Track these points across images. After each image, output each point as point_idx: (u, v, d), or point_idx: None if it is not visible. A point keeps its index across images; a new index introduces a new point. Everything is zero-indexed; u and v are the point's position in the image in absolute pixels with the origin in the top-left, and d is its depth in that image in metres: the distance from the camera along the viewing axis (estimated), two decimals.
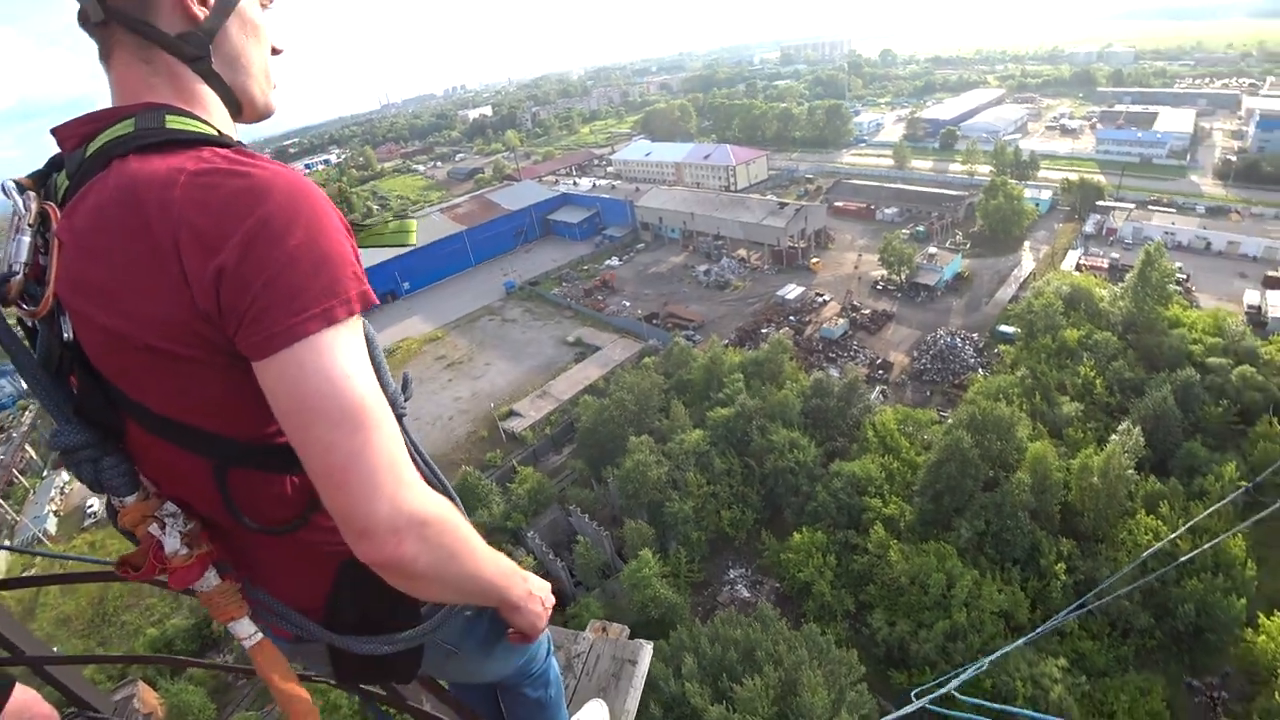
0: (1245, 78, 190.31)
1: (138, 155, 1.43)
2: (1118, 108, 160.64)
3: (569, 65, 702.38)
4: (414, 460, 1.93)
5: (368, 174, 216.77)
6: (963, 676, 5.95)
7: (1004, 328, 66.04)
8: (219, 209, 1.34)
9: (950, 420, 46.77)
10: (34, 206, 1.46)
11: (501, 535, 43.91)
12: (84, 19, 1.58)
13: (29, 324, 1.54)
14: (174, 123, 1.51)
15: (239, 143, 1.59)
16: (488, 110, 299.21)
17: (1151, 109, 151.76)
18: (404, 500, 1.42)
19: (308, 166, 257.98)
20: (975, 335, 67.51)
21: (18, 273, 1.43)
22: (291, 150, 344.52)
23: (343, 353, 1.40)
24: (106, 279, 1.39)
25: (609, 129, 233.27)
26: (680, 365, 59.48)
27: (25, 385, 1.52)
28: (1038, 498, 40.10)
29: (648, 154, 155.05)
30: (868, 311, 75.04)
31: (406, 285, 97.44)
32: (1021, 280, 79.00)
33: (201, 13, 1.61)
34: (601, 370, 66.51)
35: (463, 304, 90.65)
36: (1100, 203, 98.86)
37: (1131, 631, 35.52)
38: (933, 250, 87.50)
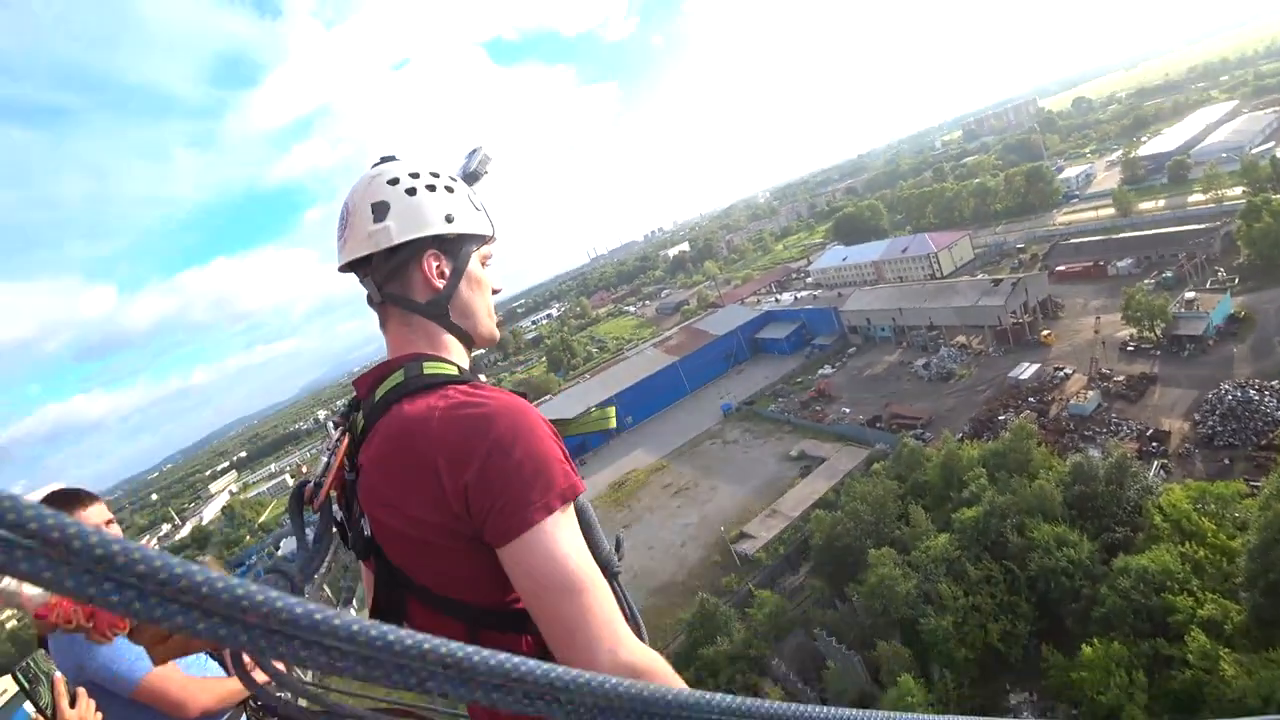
0: None
1: (407, 399, 2.02)
2: None
3: (754, 190, 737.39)
4: (627, 615, 2.36)
5: (585, 321, 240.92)
6: None
7: None
8: (462, 436, 1.83)
9: (1266, 490, 38.52)
10: (337, 435, 2.18)
11: (744, 663, 42.93)
12: (370, 300, 2.35)
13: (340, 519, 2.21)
14: (429, 368, 2.12)
15: (475, 376, 2.24)
16: (685, 246, 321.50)
17: None
18: (620, 652, 1.72)
19: (534, 322, 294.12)
20: (1274, 383, 55.93)
21: (320, 483, 2.09)
22: (519, 310, 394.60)
23: (561, 535, 1.81)
24: (392, 493, 1.93)
25: (801, 242, 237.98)
26: (913, 467, 56.06)
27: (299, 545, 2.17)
28: None
29: (844, 258, 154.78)
30: (1121, 378, 65.98)
31: (630, 419, 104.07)
32: None
33: (441, 284, 2.28)
34: (830, 482, 64.66)
35: (683, 431, 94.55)
36: None
37: None
38: (1190, 294, 75.40)
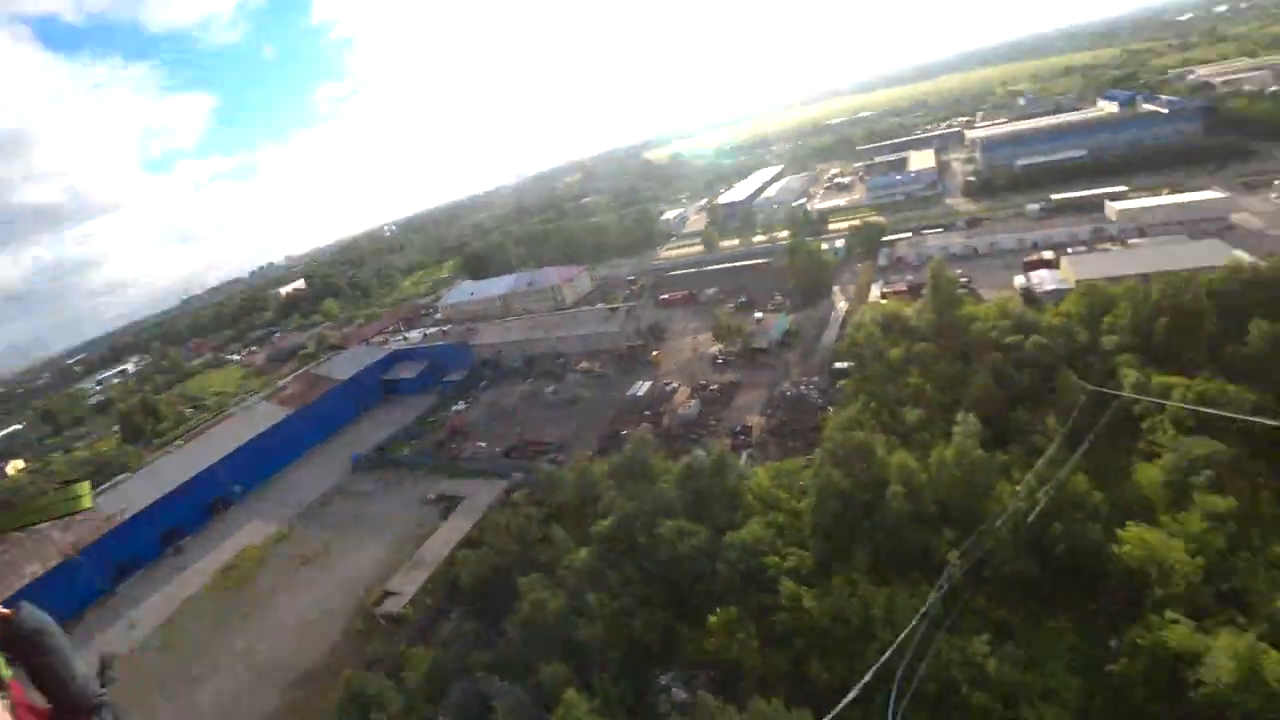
0: (962, 116, 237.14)
1: None
2: (876, 160, 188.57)
3: (379, 221, 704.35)
4: None
5: (175, 375, 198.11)
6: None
7: (838, 364, 70.72)
8: None
9: (816, 461, 48.12)
10: None
11: None
12: None
13: None
14: None
15: None
16: (300, 283, 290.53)
17: (902, 155, 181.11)
18: None
19: (99, 383, 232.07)
20: (816, 379, 71.70)
21: None
22: (77, 368, 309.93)
23: None
24: None
25: (430, 277, 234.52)
26: (551, 491, 57.89)
27: None
28: (913, 502, 42.10)
29: (473, 293, 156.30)
30: (715, 386, 77.71)
31: (238, 488, 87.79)
32: (841, 320, 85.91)
33: None
34: (472, 520, 62.90)
35: (307, 491, 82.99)
36: (884, 238, 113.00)
37: (1028, 586, 38.15)
38: (759, 315, 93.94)
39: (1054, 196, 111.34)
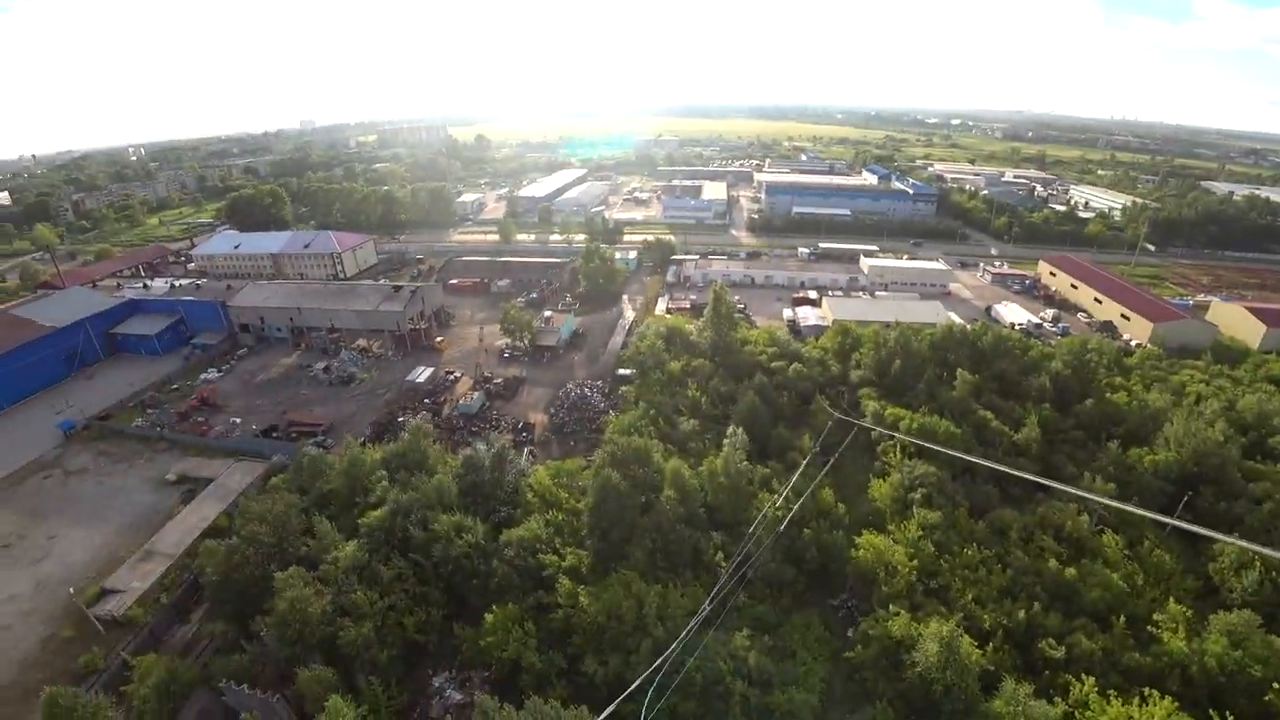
0: (753, 159, 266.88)
1: None
2: (674, 182, 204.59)
3: (122, 140, 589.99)
4: None
5: None
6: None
7: (622, 370, 74.98)
8: None
9: (596, 462, 50.60)
10: None
11: None
12: None
13: None
14: None
15: None
16: (3, 197, 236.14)
17: (698, 183, 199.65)
18: None
19: None
20: (600, 382, 75.02)
21: None
22: None
23: None
24: None
25: (185, 218, 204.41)
26: (316, 476, 53.92)
27: None
28: (685, 506, 46.62)
29: (237, 246, 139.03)
30: (500, 380, 77.80)
31: None
32: (627, 328, 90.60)
33: None
34: (221, 505, 56.62)
35: None
36: (674, 257, 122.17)
37: (784, 585, 44.39)
38: (548, 313, 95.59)
39: (822, 244, 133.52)
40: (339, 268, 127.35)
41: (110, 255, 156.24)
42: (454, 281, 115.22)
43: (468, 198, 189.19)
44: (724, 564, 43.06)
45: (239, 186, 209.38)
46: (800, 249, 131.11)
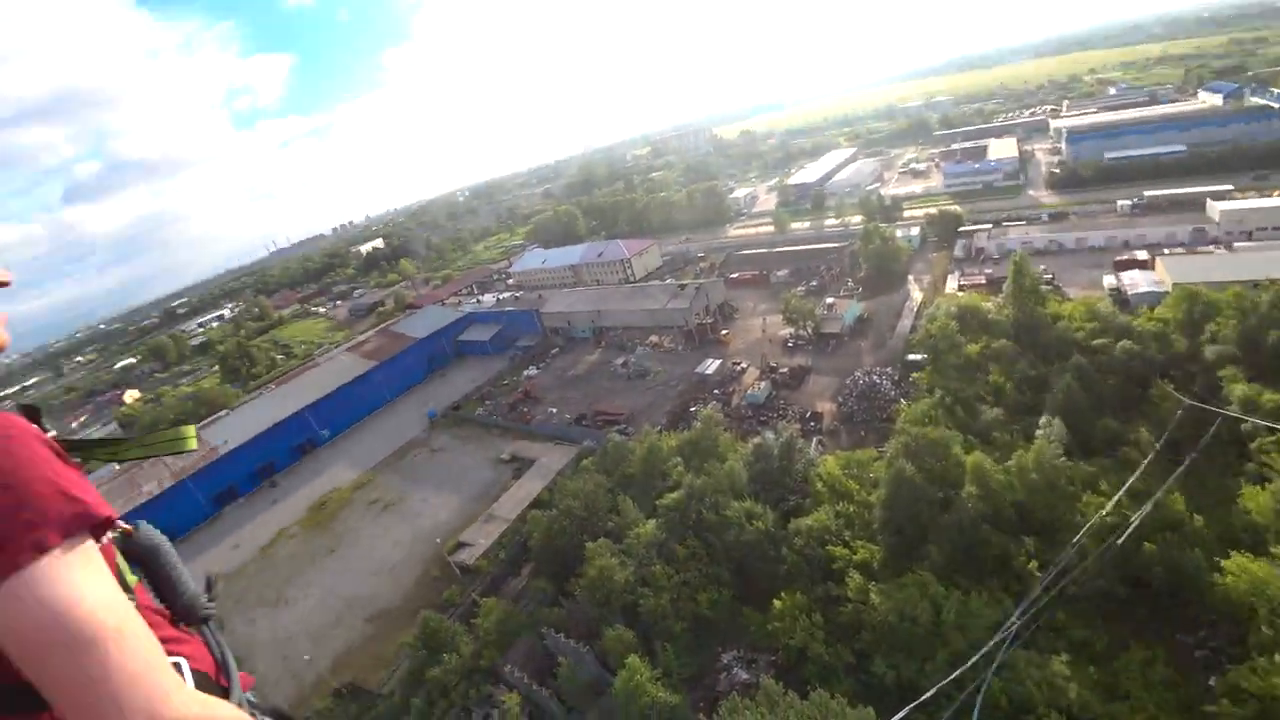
0: (1046, 104, 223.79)
1: None
2: (954, 146, 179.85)
3: (452, 187, 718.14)
4: (218, 662, 2.05)
5: (265, 323, 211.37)
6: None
7: (912, 356, 69.63)
8: None
9: (889, 453, 48.09)
10: None
11: (477, 676, 41.25)
12: None
13: None
14: None
15: None
16: (379, 243, 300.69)
17: (981, 143, 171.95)
18: (160, 711, 1.40)
19: (200, 325, 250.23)
20: (889, 369, 70.84)
21: None
22: (181, 310, 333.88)
23: (63, 577, 1.45)
24: None
25: (502, 243, 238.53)
26: (619, 461, 59.12)
27: None
28: (990, 505, 41.52)
29: (544, 261, 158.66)
30: (786, 370, 77.48)
31: (325, 433, 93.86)
32: (915, 310, 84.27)
33: None
34: (543, 482, 65.33)
35: (387, 442, 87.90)
36: (962, 228, 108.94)
37: (1115, 607, 36.76)
38: (830, 300, 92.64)
39: (1148, 193, 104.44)
40: (629, 272, 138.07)
41: (451, 279, 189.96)
42: (734, 275, 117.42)
43: (740, 193, 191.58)
44: (1037, 574, 37.39)
45: (540, 210, 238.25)
46: (1119, 201, 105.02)
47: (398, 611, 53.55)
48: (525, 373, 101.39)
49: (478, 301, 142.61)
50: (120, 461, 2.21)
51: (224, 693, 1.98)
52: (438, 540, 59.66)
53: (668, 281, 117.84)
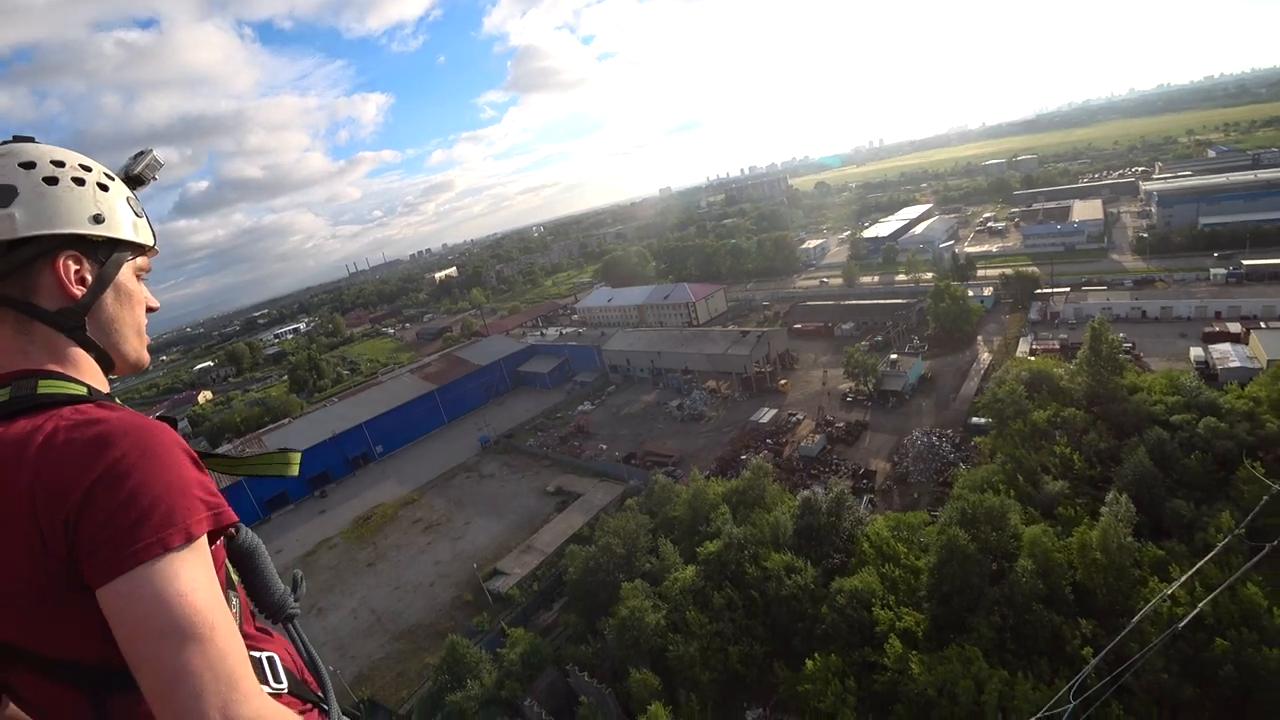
0: (1137, 165, 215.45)
1: (4, 423, 1.70)
2: (1035, 206, 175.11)
3: (527, 222, 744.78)
4: (305, 661, 2.21)
5: (337, 340, 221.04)
6: None
7: (976, 419, 66.94)
8: (68, 463, 1.58)
9: (942, 519, 45.93)
10: None
11: (495, 707, 40.74)
12: None
13: None
14: (45, 387, 1.80)
15: (107, 395, 1.91)
16: (453, 271, 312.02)
17: (1064, 203, 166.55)
18: (235, 711, 1.44)
19: (277, 336, 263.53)
20: (950, 431, 68.26)
21: None
22: (261, 321, 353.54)
23: (177, 575, 1.54)
24: None
25: (571, 279, 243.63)
26: (664, 503, 58.37)
27: None
28: (1046, 582, 38.92)
29: (610, 299, 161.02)
30: (842, 424, 75.64)
31: (380, 449, 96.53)
32: (982, 372, 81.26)
33: (79, 291, 1.93)
34: (585, 517, 64.97)
35: (438, 463, 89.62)
36: (1039, 290, 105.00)
37: (1179, 706, 33.14)
38: (894, 357, 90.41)
39: (1246, 261, 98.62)
40: (693, 315, 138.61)
41: (518, 310, 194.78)
42: (798, 325, 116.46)
43: (810, 244, 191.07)
44: (1092, 660, 34.72)
45: (611, 249, 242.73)
46: (1213, 270, 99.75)
47: (427, 631, 53.74)
48: (580, 407, 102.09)
49: (541, 334, 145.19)
50: (234, 475, 2.35)
51: (311, 691, 2.15)
52: (474, 565, 59.89)
53: (730, 327, 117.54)
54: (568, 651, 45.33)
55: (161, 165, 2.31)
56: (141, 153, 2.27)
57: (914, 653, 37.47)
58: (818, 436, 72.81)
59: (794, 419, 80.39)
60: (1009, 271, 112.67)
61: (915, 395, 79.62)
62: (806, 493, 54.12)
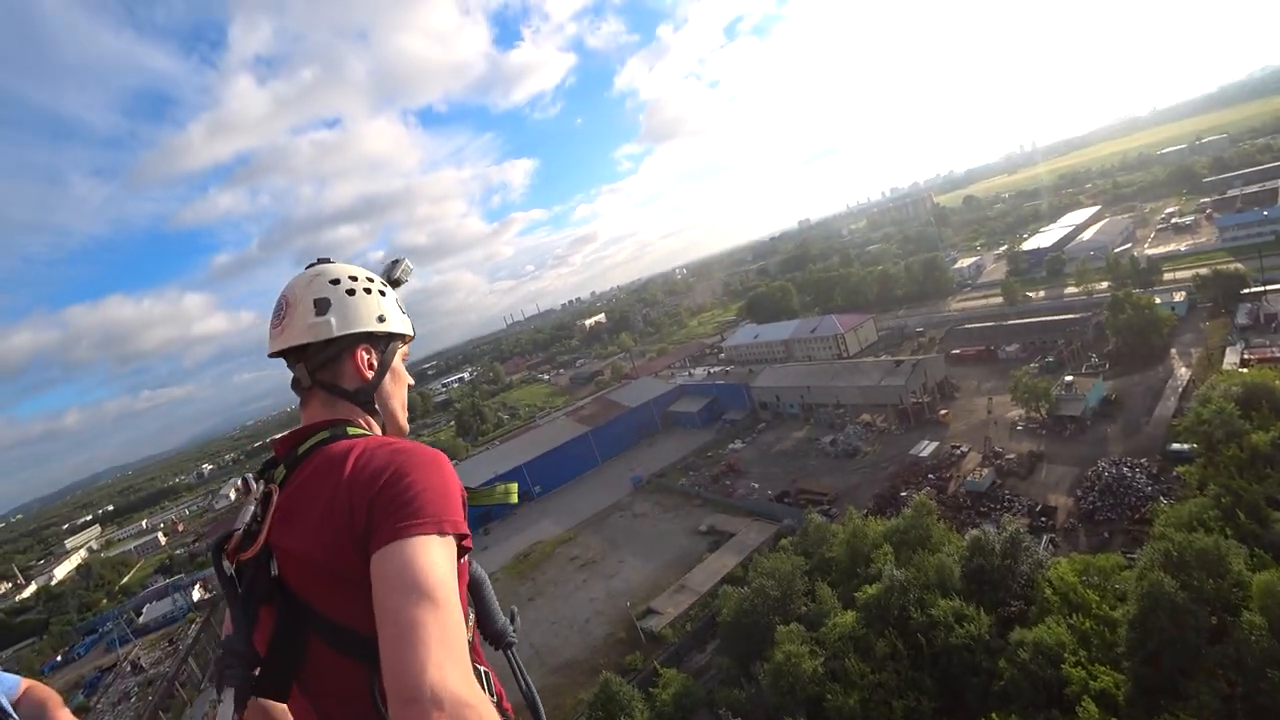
0: None
1: (331, 445, 2.30)
2: (1231, 193, 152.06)
3: (670, 265, 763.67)
4: (521, 687, 2.79)
5: (497, 387, 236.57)
6: None
7: (1176, 446, 58.73)
8: (375, 465, 2.08)
9: (1141, 562, 40.43)
10: (258, 487, 2.23)
11: None
12: (297, 385, 2.59)
13: (231, 571, 2.12)
14: (353, 431, 2.44)
15: None
16: (602, 317, 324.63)
17: (1270, 185, 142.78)
18: (451, 678, 1.59)
19: (445, 385, 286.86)
20: (1144, 460, 60.19)
21: (239, 530, 2.09)
22: (430, 371, 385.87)
23: (431, 554, 1.87)
24: (307, 518, 2.10)
25: (715, 319, 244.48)
26: (820, 543, 56.06)
27: (231, 612, 2.07)
28: None
29: (756, 336, 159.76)
30: (1013, 456, 69.31)
31: (538, 489, 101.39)
32: (1180, 390, 71.40)
33: (370, 375, 2.61)
34: (738, 557, 63.87)
35: (592, 503, 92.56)
36: (1246, 290, 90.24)
37: None
38: (1069, 378, 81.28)
39: None
40: (842, 347, 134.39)
41: (666, 352, 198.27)
42: (956, 351, 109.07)
43: (963, 263, 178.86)
44: None
45: (754, 286, 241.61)
46: None
47: (582, 667, 54.87)
48: (730, 446, 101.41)
49: (689, 374, 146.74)
50: (472, 505, 2.69)
51: (508, 715, 2.55)
52: (628, 604, 60.54)
53: (882, 357, 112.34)
54: (720, 695, 44.34)
55: (413, 270, 2.92)
56: (396, 261, 2.90)
57: (1113, 719, 33.00)
58: (986, 470, 67.19)
59: (958, 451, 74.86)
60: (1204, 271, 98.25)
61: (1097, 420, 71.43)
62: (975, 532, 49.83)
